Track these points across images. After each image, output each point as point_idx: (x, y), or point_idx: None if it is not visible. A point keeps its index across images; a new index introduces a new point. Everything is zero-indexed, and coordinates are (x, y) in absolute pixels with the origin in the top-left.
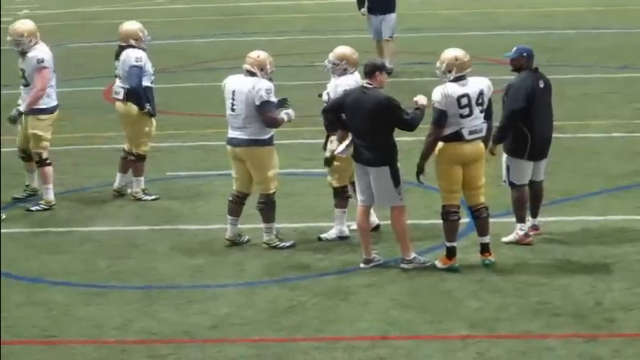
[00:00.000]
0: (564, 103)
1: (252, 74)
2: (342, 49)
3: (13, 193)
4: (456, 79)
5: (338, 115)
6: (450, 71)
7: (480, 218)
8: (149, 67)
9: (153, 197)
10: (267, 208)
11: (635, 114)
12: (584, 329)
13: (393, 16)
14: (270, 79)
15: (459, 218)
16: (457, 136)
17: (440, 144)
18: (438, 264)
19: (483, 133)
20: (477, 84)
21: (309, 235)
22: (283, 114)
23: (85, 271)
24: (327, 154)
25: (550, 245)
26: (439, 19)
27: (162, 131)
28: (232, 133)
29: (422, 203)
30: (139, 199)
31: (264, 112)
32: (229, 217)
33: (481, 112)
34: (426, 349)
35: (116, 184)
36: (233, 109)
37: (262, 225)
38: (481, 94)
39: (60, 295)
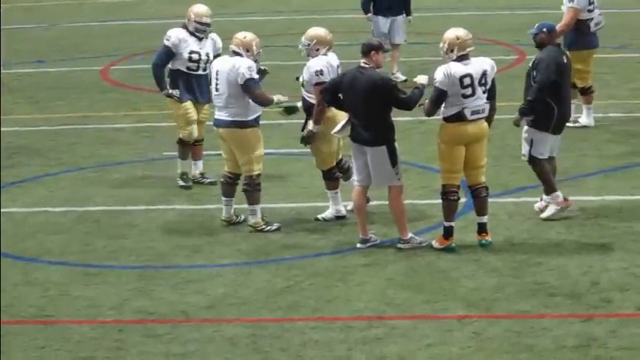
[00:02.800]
0: None
1: (237, 54)
2: (314, 30)
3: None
4: (459, 59)
5: (335, 95)
6: (452, 50)
7: (479, 197)
8: (186, 51)
9: (210, 180)
10: (251, 190)
11: (632, 94)
12: (581, 309)
13: (403, 17)
14: (255, 61)
15: (459, 198)
16: (459, 117)
17: (442, 124)
18: (435, 244)
19: (486, 114)
20: (480, 64)
21: (306, 216)
22: (275, 97)
23: (81, 251)
24: (305, 132)
25: (546, 225)
26: None
27: (160, 111)
28: (217, 114)
29: (419, 183)
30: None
31: (250, 91)
32: (223, 198)
33: (484, 92)
34: (423, 329)
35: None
36: (217, 89)
37: (247, 207)
38: (484, 74)
39: (57, 274)
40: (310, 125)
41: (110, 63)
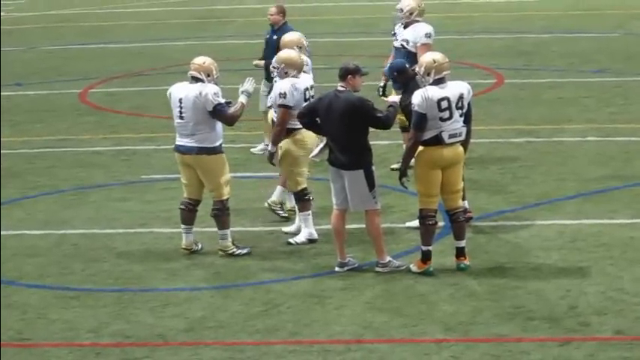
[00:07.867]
0: (539, 106)
1: (197, 80)
2: (284, 53)
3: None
4: (436, 82)
5: (313, 119)
6: (428, 74)
7: (457, 222)
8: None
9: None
10: (221, 215)
11: (610, 118)
12: (559, 333)
13: None
14: (215, 84)
15: (436, 222)
16: (437, 140)
17: (420, 148)
18: (413, 268)
19: (463, 137)
20: (457, 88)
21: (284, 239)
22: (241, 97)
23: (59, 274)
24: (266, 154)
25: (525, 249)
26: None
27: (138, 134)
28: (181, 141)
29: (396, 207)
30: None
31: (220, 115)
32: (183, 225)
33: (461, 115)
34: (401, 353)
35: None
36: (182, 117)
37: (218, 231)
38: (461, 97)
39: (35, 297)
40: (269, 146)
41: (89, 86)
